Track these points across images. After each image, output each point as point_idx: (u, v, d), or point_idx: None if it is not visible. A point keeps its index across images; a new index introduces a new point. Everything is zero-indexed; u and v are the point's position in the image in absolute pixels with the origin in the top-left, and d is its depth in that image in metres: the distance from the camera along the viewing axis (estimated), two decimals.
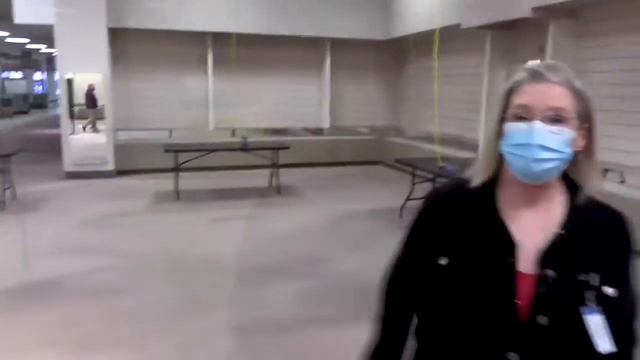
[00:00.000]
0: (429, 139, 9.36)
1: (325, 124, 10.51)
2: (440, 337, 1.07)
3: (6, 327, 3.43)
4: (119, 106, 9.41)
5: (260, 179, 8.14)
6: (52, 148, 9.90)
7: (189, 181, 8.12)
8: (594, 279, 0.98)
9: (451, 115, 9.03)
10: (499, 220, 1.04)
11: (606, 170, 5.40)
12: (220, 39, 9.64)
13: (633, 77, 5.55)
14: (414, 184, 6.31)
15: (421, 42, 9.51)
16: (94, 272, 4.44)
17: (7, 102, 23.02)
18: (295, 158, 8.85)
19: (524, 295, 0.98)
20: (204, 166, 8.45)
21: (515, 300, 0.98)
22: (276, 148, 7.71)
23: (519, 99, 1.02)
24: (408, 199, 6.37)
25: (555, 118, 0.98)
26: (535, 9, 6.00)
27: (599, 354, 0.95)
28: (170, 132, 10.63)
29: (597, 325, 0.96)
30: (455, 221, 1.08)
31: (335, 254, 5.01)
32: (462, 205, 1.09)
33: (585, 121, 1.02)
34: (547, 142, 0.97)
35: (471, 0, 7.18)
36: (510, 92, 1.05)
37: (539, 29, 6.61)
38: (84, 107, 8.87)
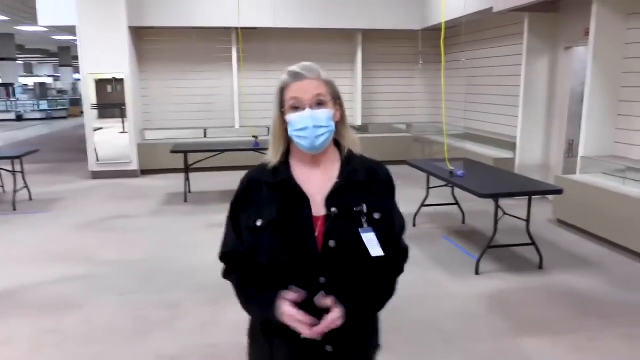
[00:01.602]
0: (468, 137, 8.55)
1: (357, 120, 9.92)
2: (270, 279, 1.36)
3: None
4: (143, 105, 9.37)
5: None
6: None
7: (202, 182, 7.88)
8: (364, 208, 1.36)
9: (486, 110, 8.20)
10: (294, 184, 1.37)
11: None
12: (245, 34, 9.33)
13: None
14: (428, 189, 5.63)
15: (454, 32, 8.70)
16: (59, 282, 4.20)
17: (75, 102, 24.18)
18: None
19: (319, 230, 1.34)
20: (217, 166, 8.20)
21: (315, 235, 1.33)
22: None
23: (289, 95, 1.36)
24: (422, 205, 5.71)
25: (318, 102, 1.36)
26: None
27: (373, 258, 1.33)
28: (205, 131, 10.44)
29: (369, 239, 1.34)
30: (263, 193, 1.39)
31: None
32: (267, 180, 1.39)
33: (336, 100, 1.41)
34: (318, 122, 1.34)
35: None
36: (281, 91, 1.38)
37: (584, 8, 5.70)
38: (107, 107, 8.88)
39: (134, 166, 8.83)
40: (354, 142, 1.45)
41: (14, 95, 23.53)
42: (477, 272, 4.28)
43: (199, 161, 6.99)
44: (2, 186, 7.43)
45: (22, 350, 3.15)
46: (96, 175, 8.67)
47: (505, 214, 4.55)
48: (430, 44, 9.52)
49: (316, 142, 1.34)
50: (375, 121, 10.15)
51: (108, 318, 3.56)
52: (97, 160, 8.73)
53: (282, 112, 1.38)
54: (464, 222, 5.77)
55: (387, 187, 1.46)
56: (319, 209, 1.35)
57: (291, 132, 1.36)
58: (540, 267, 4.39)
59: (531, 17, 6.58)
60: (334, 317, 1.29)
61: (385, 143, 9.72)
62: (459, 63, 8.57)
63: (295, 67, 1.38)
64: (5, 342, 3.24)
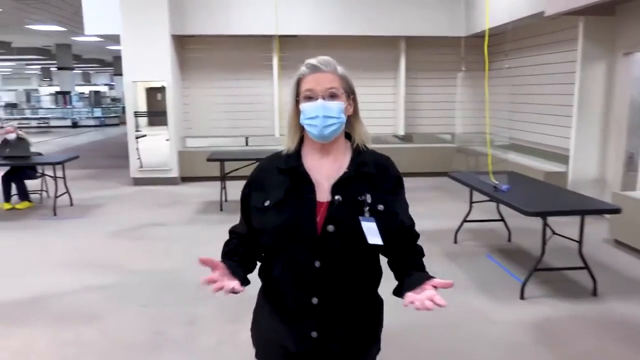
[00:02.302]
0: (514, 147, 8.10)
1: (400, 130, 9.62)
2: (272, 257, 1.50)
3: None
4: (185, 113, 9.42)
5: None
6: None
7: (239, 190, 7.75)
8: (368, 198, 1.42)
9: (534, 120, 7.72)
10: (302, 170, 1.46)
11: None
12: (285, 42, 9.25)
13: None
14: (471, 203, 5.29)
15: (500, 39, 8.28)
16: (85, 291, 4.15)
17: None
18: None
19: (322, 215, 1.41)
20: None
21: (316, 219, 1.41)
22: None
23: (305, 86, 1.45)
24: (464, 221, 5.36)
25: (331, 94, 1.44)
26: None
27: (370, 245, 1.40)
28: (247, 139, 10.39)
29: (369, 227, 1.39)
30: (274, 178, 1.48)
31: None
32: (278, 166, 1.49)
33: (350, 95, 1.49)
34: (329, 112, 1.42)
35: None
36: (298, 82, 1.48)
37: None
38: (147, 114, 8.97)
39: (174, 173, 8.87)
40: (366, 137, 1.52)
41: (71, 102, 24.55)
42: (522, 297, 3.91)
43: (236, 169, 6.88)
44: (47, 191, 7.59)
45: None
46: (137, 181, 8.76)
47: (554, 233, 4.16)
48: (475, 51, 9.12)
49: (325, 131, 1.42)
50: (419, 131, 9.81)
51: (127, 332, 3.44)
52: (141, 166, 8.84)
53: (297, 101, 1.46)
54: (509, 240, 5.37)
55: (395, 183, 1.51)
56: (324, 195, 1.42)
57: (302, 120, 1.44)
58: (594, 293, 3.97)
59: (586, 21, 6.13)
60: (443, 285, 1.40)
61: (429, 153, 9.39)
62: (504, 71, 8.15)
63: (313, 60, 1.45)
64: (21, 353, 3.17)
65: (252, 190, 1.52)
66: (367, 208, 1.40)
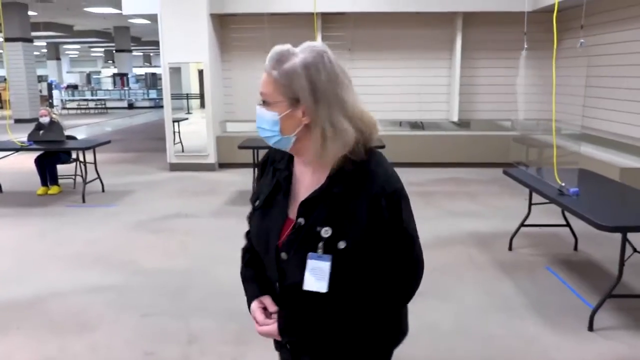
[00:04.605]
0: (586, 138, 7.11)
1: (454, 115, 8.78)
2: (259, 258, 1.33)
3: None
4: (225, 96, 9.00)
5: None
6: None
7: None
8: (326, 231, 1.13)
9: (612, 107, 6.70)
10: (287, 179, 1.24)
11: None
12: (331, 20, 8.60)
13: None
14: (530, 205, 4.51)
15: (571, 14, 7.25)
16: (87, 292, 3.79)
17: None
18: (401, 156, 7.47)
19: (283, 237, 1.20)
20: None
21: (278, 241, 1.21)
22: None
23: None
24: (522, 224, 4.60)
25: (263, 101, 1.17)
26: None
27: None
28: None
29: (315, 269, 1.14)
30: (268, 175, 1.29)
31: None
32: (276, 164, 1.28)
33: (296, 102, 1.13)
34: (260, 123, 1.19)
35: None
36: None
37: None
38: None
39: (212, 159, 8.51)
40: (325, 154, 1.16)
41: (128, 84, 24.99)
42: (591, 328, 3.17)
43: None
44: (81, 175, 7.41)
45: None
46: (174, 167, 8.47)
47: (635, 251, 3.37)
48: (540, 28, 8.09)
49: (270, 142, 1.21)
50: (475, 117, 8.92)
51: (116, 349, 3.02)
52: (183, 151, 8.55)
53: None
54: (576, 248, 4.57)
55: (376, 203, 1.14)
56: (294, 213, 1.21)
57: None
58: None
59: None
60: (269, 330, 1.23)
61: (485, 142, 8.52)
62: (576, 50, 7.12)
63: (271, 52, 1.18)
64: None
65: (260, 177, 1.35)
66: (322, 243, 1.14)
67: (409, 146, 8.47)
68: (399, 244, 1.16)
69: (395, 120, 8.94)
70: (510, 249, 4.59)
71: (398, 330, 1.31)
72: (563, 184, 3.67)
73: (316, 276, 1.15)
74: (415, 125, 8.98)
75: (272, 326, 1.22)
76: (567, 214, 4.49)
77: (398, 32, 8.65)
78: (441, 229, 5.19)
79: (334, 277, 1.14)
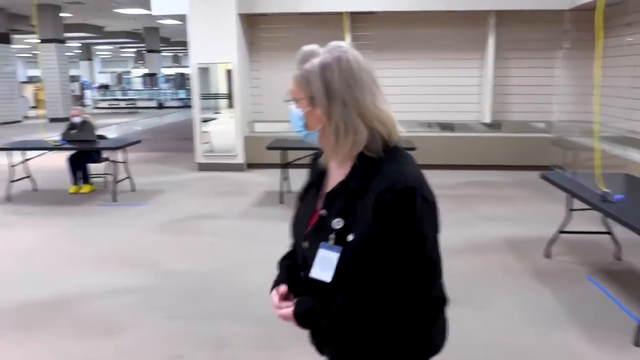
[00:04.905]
0: (631, 142, 6.82)
1: (485, 117, 8.56)
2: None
3: None
4: (254, 97, 8.97)
5: None
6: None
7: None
8: (339, 223, 1.18)
9: None
10: (317, 170, 1.32)
11: None
12: (361, 20, 8.49)
13: None
14: (570, 210, 4.32)
15: (614, 11, 6.97)
16: (112, 294, 3.77)
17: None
18: (431, 158, 7.32)
19: (310, 226, 1.27)
20: None
21: (305, 231, 1.28)
22: None
23: None
24: (560, 231, 4.41)
25: (293, 98, 1.25)
26: None
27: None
28: None
29: (324, 258, 1.18)
30: (311, 171, 1.37)
31: None
32: (319, 159, 1.32)
33: (316, 103, 1.19)
34: (291, 119, 1.26)
35: None
36: None
37: None
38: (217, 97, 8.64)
39: (240, 159, 8.50)
40: (335, 153, 1.23)
41: (157, 84, 25.35)
42: (636, 343, 2.99)
43: (303, 157, 6.25)
44: (113, 175, 7.48)
45: None
46: (202, 167, 8.49)
47: None
48: (579, 27, 7.82)
49: (301, 135, 1.28)
50: (508, 118, 8.69)
51: (143, 351, 2.99)
52: (211, 151, 8.57)
53: None
54: (619, 257, 4.35)
55: (388, 209, 1.14)
56: (322, 204, 1.28)
57: None
58: None
59: None
60: (284, 313, 1.27)
61: (519, 144, 8.28)
62: (621, 49, 6.85)
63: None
64: None
65: (310, 171, 1.41)
66: (333, 234, 1.19)
67: (439, 148, 8.30)
68: (408, 242, 1.13)
69: (424, 121, 8.78)
70: (547, 256, 4.41)
71: (427, 345, 1.26)
72: (606, 190, 3.49)
73: (323, 265, 1.19)
74: (446, 126, 8.79)
75: (287, 310, 1.27)
76: (609, 220, 4.30)
77: (428, 32, 8.48)
78: (474, 234, 5.03)
79: (342, 270, 1.16)
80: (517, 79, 8.49)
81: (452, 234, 4.91)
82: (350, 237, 1.16)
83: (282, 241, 1.53)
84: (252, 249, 4.68)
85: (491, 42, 8.31)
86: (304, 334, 1.36)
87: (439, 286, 1.25)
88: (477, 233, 5.08)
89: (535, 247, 4.60)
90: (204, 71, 8.55)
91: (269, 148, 6.36)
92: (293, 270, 1.36)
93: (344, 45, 1.21)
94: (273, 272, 1.44)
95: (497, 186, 7.19)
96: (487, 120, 8.56)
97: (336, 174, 1.26)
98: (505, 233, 5.07)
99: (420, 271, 1.16)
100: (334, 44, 1.21)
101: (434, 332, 1.27)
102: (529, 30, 8.32)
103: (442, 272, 1.24)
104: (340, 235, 1.17)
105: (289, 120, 1.27)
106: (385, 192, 1.12)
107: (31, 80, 25.34)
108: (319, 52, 1.20)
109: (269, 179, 7.58)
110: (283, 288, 1.33)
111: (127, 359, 2.92)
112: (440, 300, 1.26)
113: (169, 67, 34.44)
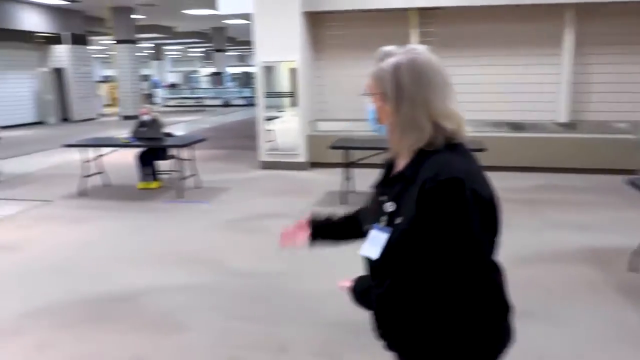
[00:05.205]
0: None
1: (561, 116, 8.06)
2: None
3: (41, 350, 3.01)
4: (318, 95, 8.92)
5: None
6: None
7: (370, 180, 7.08)
8: (391, 206, 1.28)
9: None
10: (390, 166, 1.39)
11: None
12: (430, 15, 8.22)
13: None
14: None
15: None
16: (175, 293, 3.82)
17: None
18: (501, 160, 6.96)
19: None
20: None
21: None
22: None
23: None
24: None
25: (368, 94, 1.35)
26: None
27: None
28: None
29: (374, 238, 1.28)
30: (385, 163, 1.43)
31: None
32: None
33: (387, 99, 1.29)
34: (366, 114, 1.37)
35: None
36: None
37: None
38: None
39: (302, 158, 8.48)
40: (401, 146, 1.31)
41: (223, 83, 25.99)
42: None
43: (367, 157, 6.11)
44: (178, 171, 7.68)
45: None
46: (265, 165, 8.55)
47: None
48: None
49: (373, 127, 1.38)
50: (586, 117, 8.13)
51: (203, 351, 2.98)
52: (276, 149, 8.62)
53: None
54: None
55: (430, 197, 1.17)
56: None
57: None
58: None
59: None
60: (345, 285, 1.44)
61: (599, 146, 7.71)
62: None
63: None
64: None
65: None
66: (385, 217, 1.28)
67: (510, 149, 7.89)
68: (450, 234, 1.16)
69: (495, 121, 8.38)
70: (632, 269, 4.04)
71: (481, 344, 1.26)
72: None
73: (373, 244, 1.28)
74: (517, 126, 8.36)
75: (347, 283, 1.44)
76: None
77: (498, 27, 8.08)
78: (548, 242, 4.71)
79: (389, 250, 1.24)
80: (598, 75, 7.92)
81: (522, 240, 4.62)
82: (398, 220, 1.23)
83: (357, 244, 1.47)
84: (314, 250, 4.61)
85: (569, 37, 7.80)
86: (364, 342, 1.29)
87: (495, 288, 1.27)
88: (551, 241, 4.75)
89: (618, 259, 4.23)
90: (269, 70, 8.60)
91: (332, 147, 6.27)
92: (347, 218, 1.62)
93: (419, 47, 1.30)
94: (334, 277, 1.44)
95: (573, 191, 6.73)
96: (563, 119, 8.05)
97: (399, 165, 1.34)
98: (583, 242, 4.71)
99: (461, 264, 1.18)
100: (410, 46, 1.30)
101: (491, 334, 1.27)
102: (614, 24, 7.73)
103: (502, 275, 1.29)
104: (391, 218, 1.25)
105: (364, 116, 1.36)
106: (430, 180, 1.17)
107: (105, 79, 26.72)
108: (396, 53, 1.28)
109: (332, 179, 7.48)
110: (306, 221, 1.61)
111: (188, 358, 2.92)
112: (498, 304, 1.28)
113: (235, 65, 35.27)
